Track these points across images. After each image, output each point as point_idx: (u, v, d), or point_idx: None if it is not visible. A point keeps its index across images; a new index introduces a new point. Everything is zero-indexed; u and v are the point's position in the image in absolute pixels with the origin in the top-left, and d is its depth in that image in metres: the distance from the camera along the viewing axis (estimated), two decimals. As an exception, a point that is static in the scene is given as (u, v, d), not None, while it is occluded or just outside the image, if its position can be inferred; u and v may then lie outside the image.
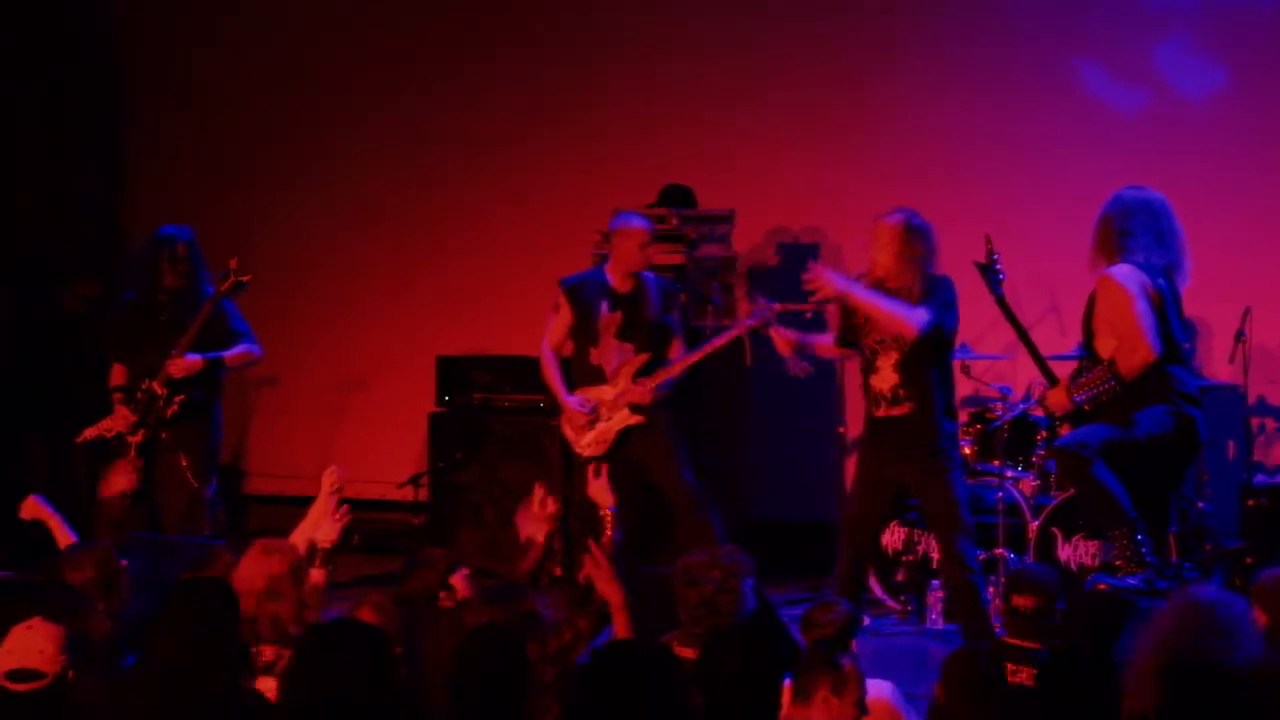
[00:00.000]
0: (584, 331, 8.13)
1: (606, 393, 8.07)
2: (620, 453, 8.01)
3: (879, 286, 7.30)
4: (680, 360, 8.08)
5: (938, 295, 7.24)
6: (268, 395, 11.13)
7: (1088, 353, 6.92)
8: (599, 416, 8.06)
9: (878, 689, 5.41)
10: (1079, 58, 9.59)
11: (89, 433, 7.94)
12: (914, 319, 7.16)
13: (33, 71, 10.94)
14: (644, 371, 8.06)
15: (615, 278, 8.14)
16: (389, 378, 10.90)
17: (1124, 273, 6.77)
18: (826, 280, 7.29)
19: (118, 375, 8.04)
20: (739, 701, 4.11)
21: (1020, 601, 5.36)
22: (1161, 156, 9.24)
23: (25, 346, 10.55)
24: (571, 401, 8.05)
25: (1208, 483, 8.48)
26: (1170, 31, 9.48)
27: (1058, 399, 6.80)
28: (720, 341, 8.08)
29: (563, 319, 8.18)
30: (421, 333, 10.59)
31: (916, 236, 7.31)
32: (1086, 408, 6.76)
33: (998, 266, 7.00)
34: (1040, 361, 6.93)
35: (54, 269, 10.72)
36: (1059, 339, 8.63)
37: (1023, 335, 6.96)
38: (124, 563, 5.93)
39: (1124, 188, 7.04)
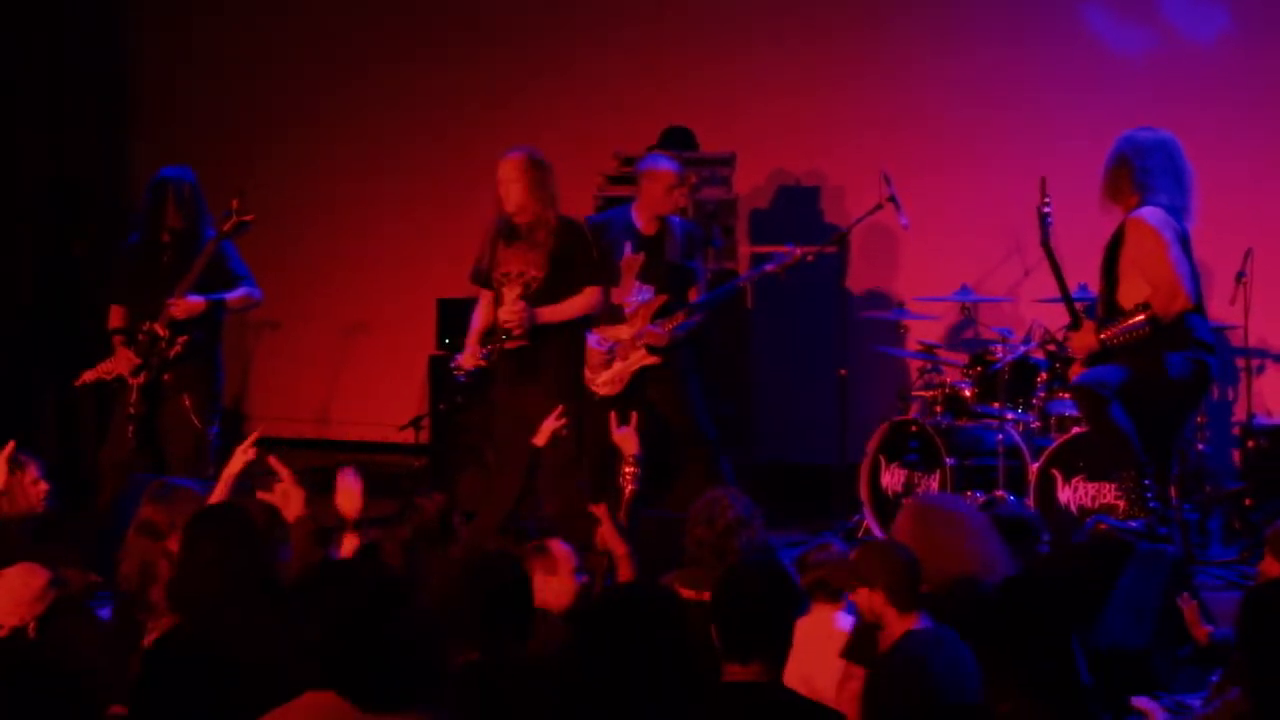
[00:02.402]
0: None
1: (624, 332, 8.07)
2: (635, 393, 8.02)
3: (509, 221, 7.39)
4: (698, 302, 8.09)
5: (583, 245, 7.42)
6: (269, 339, 11.14)
7: (1107, 295, 6.85)
8: (615, 356, 8.07)
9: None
10: (1083, 1, 9.56)
11: (88, 375, 7.90)
12: (592, 300, 7.42)
13: (34, 22, 10.91)
14: (662, 313, 8.06)
15: (640, 219, 8.12)
16: (389, 321, 10.91)
17: (1157, 217, 6.74)
18: (523, 318, 7.31)
19: (116, 318, 8.00)
20: (752, 638, 4.12)
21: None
22: (1163, 99, 9.21)
23: (37, 294, 10.57)
24: (589, 339, 8.04)
25: (1206, 425, 8.50)
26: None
27: (1084, 340, 6.75)
28: (740, 283, 8.12)
29: None
30: (422, 275, 10.59)
31: (543, 170, 7.36)
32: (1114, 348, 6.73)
33: (1048, 210, 6.94)
34: (1069, 302, 6.88)
35: (61, 215, 10.72)
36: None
37: (1058, 276, 6.88)
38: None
39: (1136, 129, 6.99)
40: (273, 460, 5.61)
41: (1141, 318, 6.60)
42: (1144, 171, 6.82)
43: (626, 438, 6.40)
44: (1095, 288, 7.12)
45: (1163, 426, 6.84)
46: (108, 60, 11.35)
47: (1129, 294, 6.73)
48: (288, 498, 5.43)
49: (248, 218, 7.77)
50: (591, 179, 9.38)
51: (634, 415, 6.59)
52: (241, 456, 5.84)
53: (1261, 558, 5.50)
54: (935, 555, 5.03)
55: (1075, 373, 6.91)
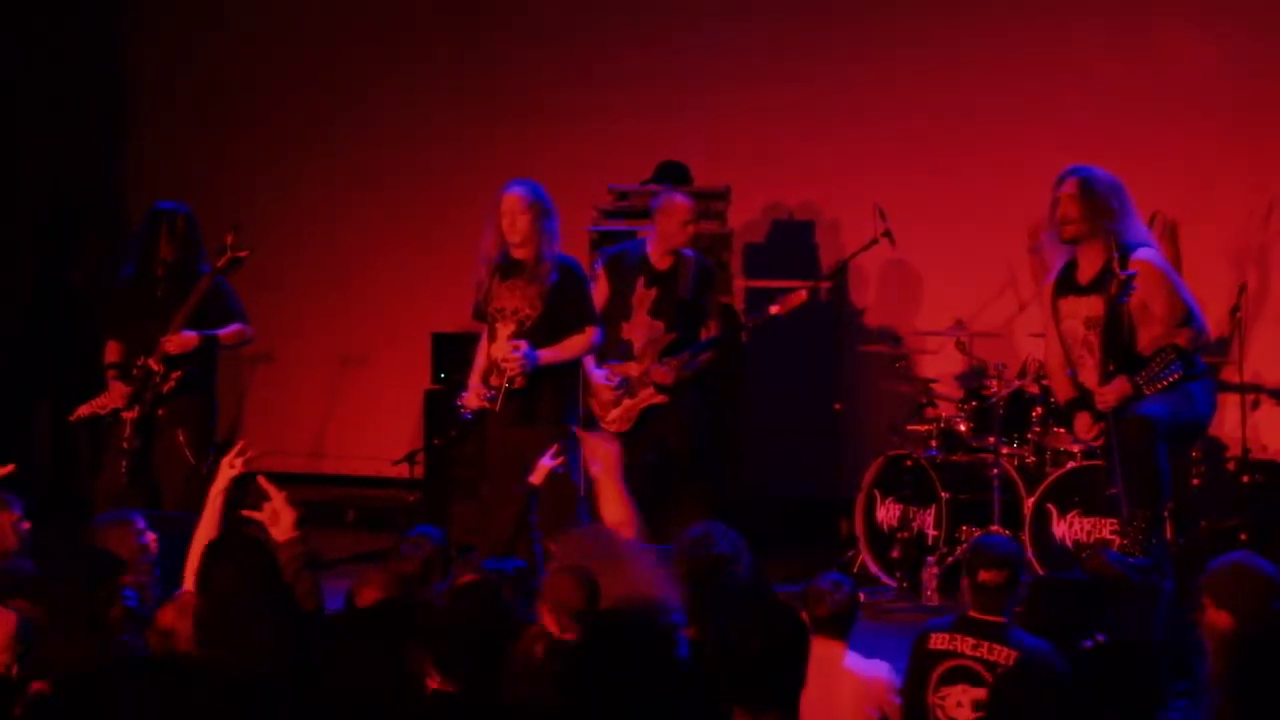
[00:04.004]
0: (617, 305, 8.10)
1: (633, 369, 8.06)
2: (643, 429, 8.01)
3: (509, 256, 7.35)
4: (705, 342, 8.09)
5: (581, 284, 7.41)
6: (263, 372, 11.13)
7: (1114, 337, 6.78)
8: (625, 393, 8.05)
9: (875, 669, 5.42)
10: (1076, 30, 9.56)
11: (82, 410, 7.89)
12: (590, 339, 7.41)
13: (34, 36, 10.97)
14: (670, 351, 8.05)
15: (655, 254, 8.13)
16: (384, 355, 10.90)
17: (1158, 257, 6.78)
18: (521, 363, 7.22)
19: (112, 352, 8.00)
20: (762, 681, 4.06)
21: (988, 576, 5.32)
22: (1158, 132, 9.25)
23: (35, 320, 10.55)
24: (598, 375, 8.01)
25: (1201, 459, 8.49)
26: (1168, 1, 9.46)
27: (1120, 389, 6.66)
28: (746, 325, 8.18)
29: (599, 291, 8.09)
30: (417, 309, 10.59)
31: (547, 205, 7.33)
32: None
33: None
34: (1106, 357, 6.82)
35: (61, 239, 10.74)
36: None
37: (1110, 333, 6.85)
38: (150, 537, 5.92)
39: (1087, 166, 6.97)
40: (263, 480, 5.50)
41: (1174, 358, 6.58)
42: (1121, 212, 6.83)
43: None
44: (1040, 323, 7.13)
45: (1176, 457, 6.88)
46: (107, 67, 11.44)
47: (1147, 337, 6.71)
48: (277, 517, 5.26)
49: (242, 254, 7.77)
50: (586, 212, 9.38)
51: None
52: (228, 471, 5.64)
53: (1201, 608, 5.38)
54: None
55: (1087, 420, 6.87)
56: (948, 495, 8.33)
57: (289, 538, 5.22)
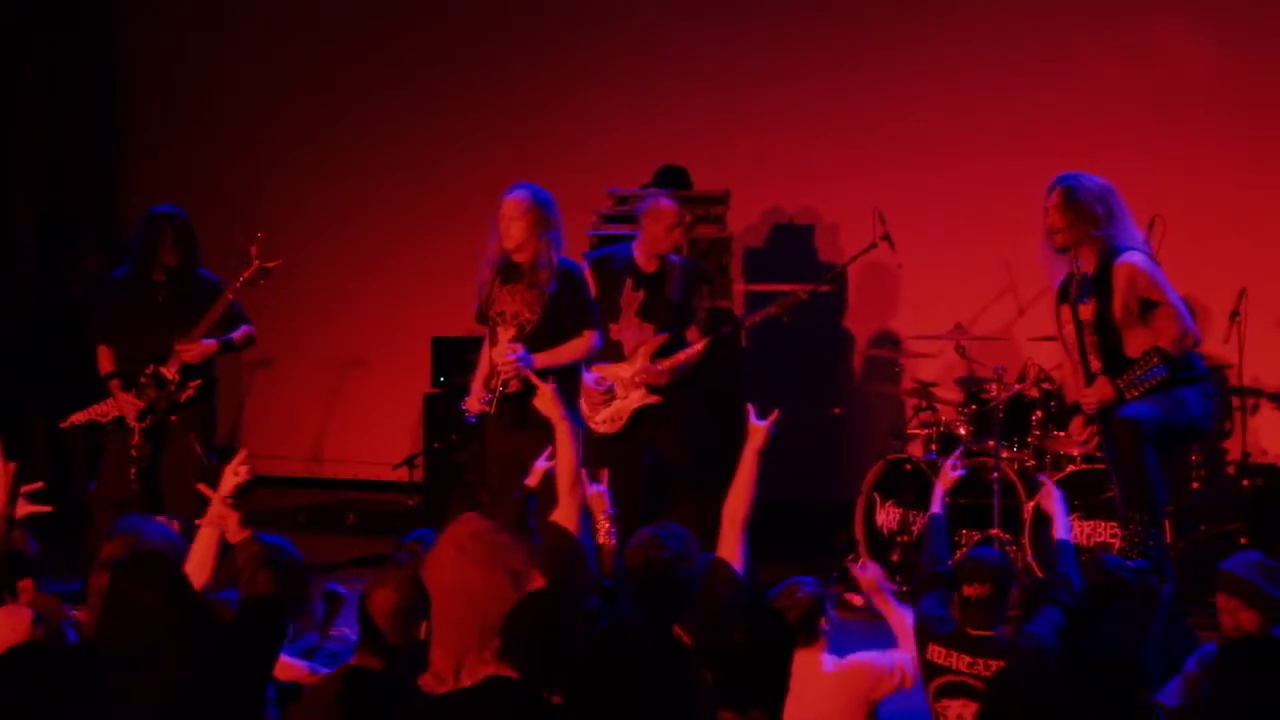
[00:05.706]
0: (605, 308, 8.08)
1: (624, 371, 8.04)
2: (632, 431, 8.00)
3: (509, 260, 7.29)
4: (698, 343, 8.07)
5: (581, 288, 7.35)
6: (263, 377, 11.13)
7: (1105, 342, 6.78)
8: (614, 395, 8.04)
9: (852, 658, 5.41)
10: (1076, 31, 9.56)
11: (77, 417, 7.77)
12: (589, 344, 7.33)
13: (32, 43, 10.98)
14: (662, 352, 8.04)
15: (641, 258, 8.11)
16: (384, 359, 10.91)
17: (1145, 261, 6.77)
18: (517, 366, 7.13)
19: (106, 360, 7.89)
20: (747, 682, 4.06)
21: (971, 590, 5.30)
22: (1159, 137, 9.25)
23: (34, 327, 10.55)
24: (588, 378, 8.00)
25: (1200, 463, 8.49)
26: (1167, 3, 9.46)
27: (1102, 392, 6.66)
28: (744, 325, 8.19)
29: None
30: (416, 314, 10.60)
31: (547, 210, 7.24)
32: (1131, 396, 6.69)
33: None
34: (1086, 360, 6.82)
35: (60, 247, 10.75)
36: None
37: (1080, 338, 6.85)
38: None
39: (1075, 174, 6.95)
40: (202, 487, 5.50)
41: (1157, 361, 6.57)
42: (1108, 217, 6.81)
43: (597, 497, 6.39)
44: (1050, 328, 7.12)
45: (1169, 460, 6.86)
46: (104, 71, 11.46)
47: (1134, 341, 6.70)
48: (225, 520, 5.24)
49: (270, 264, 7.73)
50: (586, 217, 9.38)
51: (603, 472, 6.57)
52: (232, 479, 5.47)
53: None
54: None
55: (1079, 424, 6.87)
56: (947, 499, 8.30)
57: (241, 538, 5.24)
